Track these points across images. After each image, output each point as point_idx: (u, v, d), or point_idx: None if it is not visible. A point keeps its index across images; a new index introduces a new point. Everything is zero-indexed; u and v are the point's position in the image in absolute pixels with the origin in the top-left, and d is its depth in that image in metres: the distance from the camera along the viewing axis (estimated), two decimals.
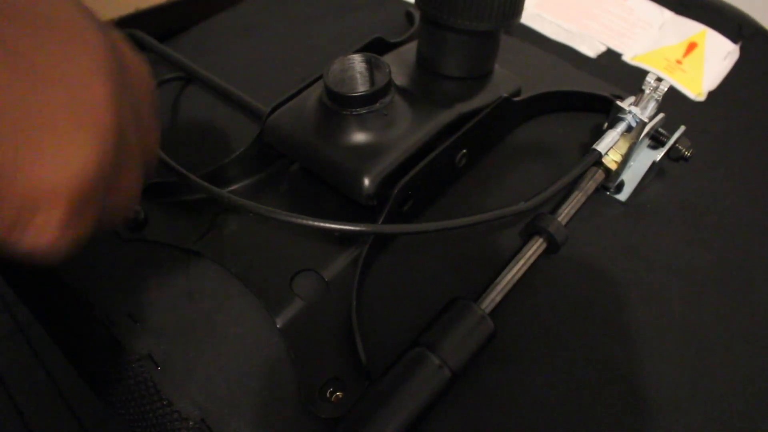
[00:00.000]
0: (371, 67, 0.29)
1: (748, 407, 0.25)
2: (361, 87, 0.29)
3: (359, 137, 0.28)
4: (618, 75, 0.41)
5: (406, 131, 0.29)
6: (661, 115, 0.32)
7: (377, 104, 0.28)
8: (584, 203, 0.31)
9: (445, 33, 0.31)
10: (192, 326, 0.26)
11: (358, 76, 0.29)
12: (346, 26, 0.46)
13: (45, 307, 0.32)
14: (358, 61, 0.29)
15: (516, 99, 0.34)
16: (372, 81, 0.29)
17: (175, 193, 0.31)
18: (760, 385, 0.26)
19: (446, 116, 0.30)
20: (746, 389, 0.26)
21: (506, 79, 0.34)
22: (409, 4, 0.47)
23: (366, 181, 0.27)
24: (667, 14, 0.48)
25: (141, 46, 0.41)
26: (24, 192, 0.14)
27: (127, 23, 0.44)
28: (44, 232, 0.15)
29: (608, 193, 0.33)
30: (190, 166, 0.34)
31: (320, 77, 0.29)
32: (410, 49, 0.35)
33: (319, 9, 0.47)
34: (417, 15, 0.44)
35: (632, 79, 0.41)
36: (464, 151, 0.31)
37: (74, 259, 0.28)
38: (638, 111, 0.29)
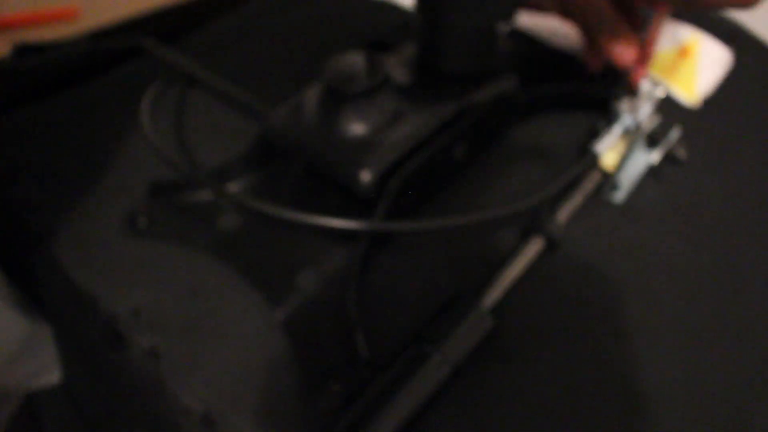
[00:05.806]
0: (369, 62, 0.29)
1: (746, 407, 0.25)
2: (359, 82, 0.29)
3: (358, 131, 0.28)
4: None
5: (405, 125, 0.29)
6: (656, 118, 0.32)
7: (375, 98, 0.29)
8: (581, 203, 0.32)
9: (442, 28, 0.31)
10: (195, 322, 0.27)
11: (356, 71, 0.29)
12: (346, 29, 0.46)
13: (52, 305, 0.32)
14: (356, 57, 0.29)
15: (515, 94, 0.34)
16: (370, 76, 0.29)
17: (178, 192, 0.31)
18: (757, 384, 0.26)
19: (445, 111, 0.31)
20: (744, 389, 0.26)
21: (506, 74, 0.35)
22: (409, 11, 0.48)
23: (364, 174, 0.27)
24: None
25: (142, 50, 0.41)
26: None
27: (128, 25, 0.44)
28: None
29: (605, 194, 0.33)
30: (192, 165, 0.34)
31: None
32: (410, 49, 0.35)
33: (320, 13, 0.48)
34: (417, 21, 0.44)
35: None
36: (463, 145, 0.31)
37: (79, 255, 0.29)
38: (634, 114, 0.30)
